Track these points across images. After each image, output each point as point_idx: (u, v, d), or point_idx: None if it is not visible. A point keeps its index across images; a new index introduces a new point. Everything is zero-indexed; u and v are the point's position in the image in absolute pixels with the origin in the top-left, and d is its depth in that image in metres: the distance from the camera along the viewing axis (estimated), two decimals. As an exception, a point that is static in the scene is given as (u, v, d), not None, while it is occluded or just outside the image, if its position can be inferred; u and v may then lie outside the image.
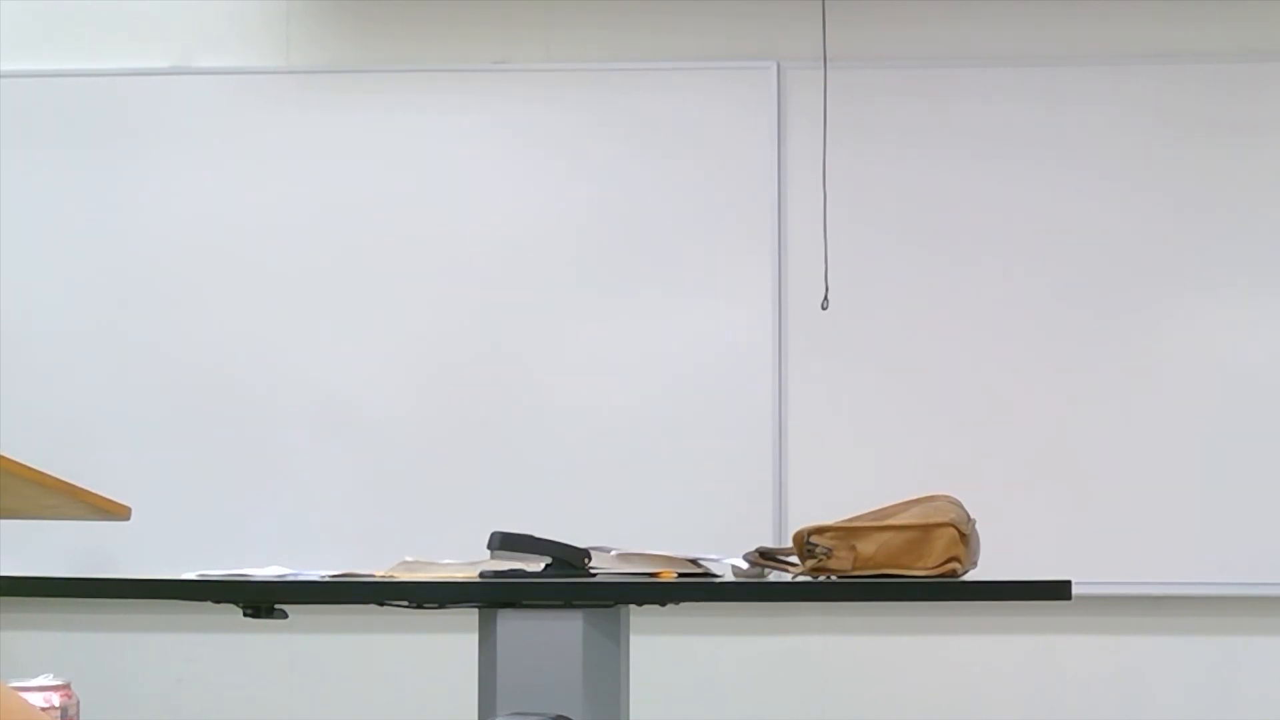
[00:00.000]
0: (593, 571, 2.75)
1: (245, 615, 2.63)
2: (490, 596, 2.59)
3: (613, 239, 4.44)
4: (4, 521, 4.20)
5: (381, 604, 2.62)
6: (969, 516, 2.70)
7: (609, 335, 4.41)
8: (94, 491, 2.37)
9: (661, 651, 4.35)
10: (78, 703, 2.51)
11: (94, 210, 4.50)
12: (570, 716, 2.48)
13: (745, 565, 2.84)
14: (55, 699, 2.45)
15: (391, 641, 4.45)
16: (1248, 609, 4.32)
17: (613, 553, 2.81)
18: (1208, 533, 4.27)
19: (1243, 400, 4.30)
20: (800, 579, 2.72)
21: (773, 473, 4.34)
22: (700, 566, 2.84)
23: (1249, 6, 4.44)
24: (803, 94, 4.41)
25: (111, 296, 4.48)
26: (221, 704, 4.47)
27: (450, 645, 4.38)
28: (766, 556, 2.83)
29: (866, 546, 2.65)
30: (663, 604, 2.66)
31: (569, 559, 2.69)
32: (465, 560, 2.86)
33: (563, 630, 2.59)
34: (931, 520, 2.63)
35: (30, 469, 2.15)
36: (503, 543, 2.67)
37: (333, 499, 4.39)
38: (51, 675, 2.53)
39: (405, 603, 2.64)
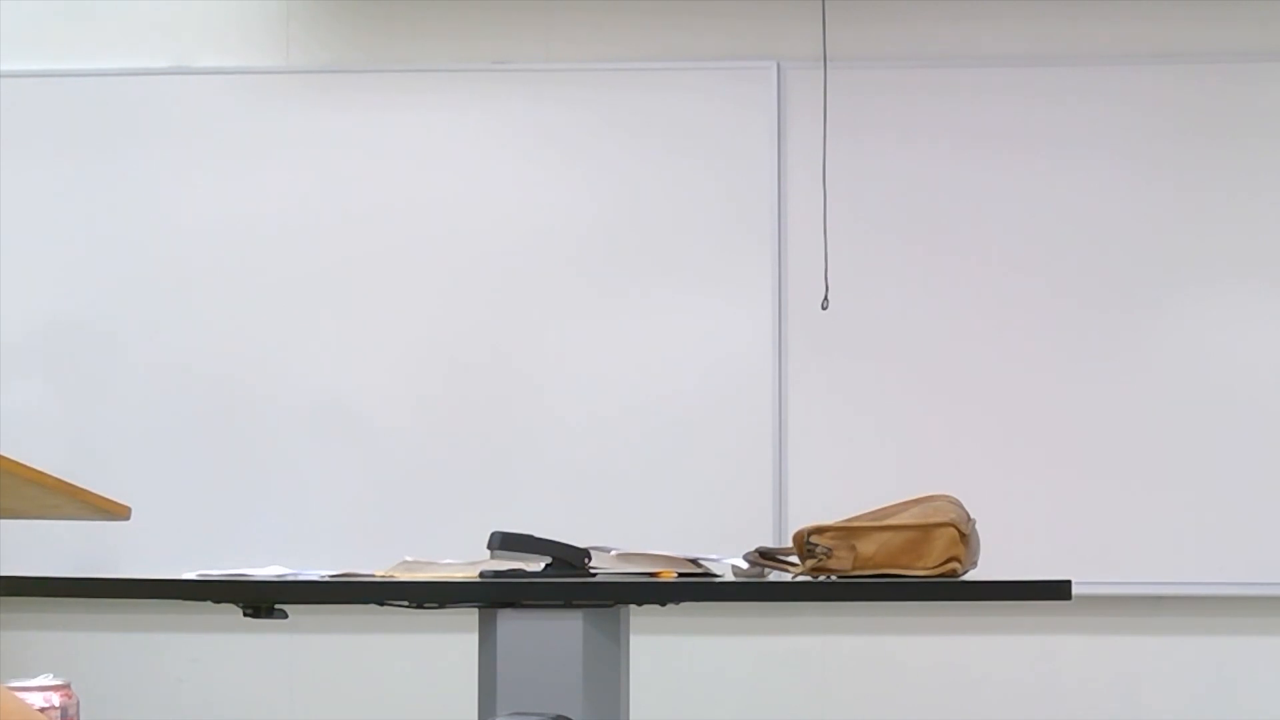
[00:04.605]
0: (593, 571, 2.75)
1: (245, 615, 2.63)
2: (490, 596, 2.59)
3: (613, 239, 4.44)
4: (4, 521, 4.20)
5: (381, 604, 2.62)
6: (969, 516, 2.70)
7: (608, 335, 4.41)
8: (94, 491, 2.37)
9: (661, 651, 4.35)
10: (78, 703, 2.51)
11: (94, 210, 4.50)
12: (570, 716, 2.48)
13: (745, 565, 2.84)
14: (55, 699, 2.44)
15: (391, 641, 4.45)
16: (1247, 609, 4.32)
17: (613, 553, 2.81)
18: (1207, 533, 4.27)
19: (1243, 400, 4.30)
20: (800, 579, 2.71)
21: (773, 473, 4.34)
22: (700, 566, 2.84)
23: (1249, 6, 4.44)
24: (803, 94, 4.41)
25: (112, 297, 4.48)
26: (221, 704, 4.47)
27: (450, 645, 4.39)
28: (766, 556, 2.83)
29: (866, 546, 2.65)
30: (663, 604, 2.66)
31: (569, 559, 2.69)
32: (465, 560, 2.86)
33: (563, 630, 2.58)
34: (931, 520, 2.63)
35: (30, 469, 2.15)
36: (503, 543, 2.67)
37: (333, 499, 4.39)
38: (51, 675, 2.52)
39: (405, 603, 2.64)
